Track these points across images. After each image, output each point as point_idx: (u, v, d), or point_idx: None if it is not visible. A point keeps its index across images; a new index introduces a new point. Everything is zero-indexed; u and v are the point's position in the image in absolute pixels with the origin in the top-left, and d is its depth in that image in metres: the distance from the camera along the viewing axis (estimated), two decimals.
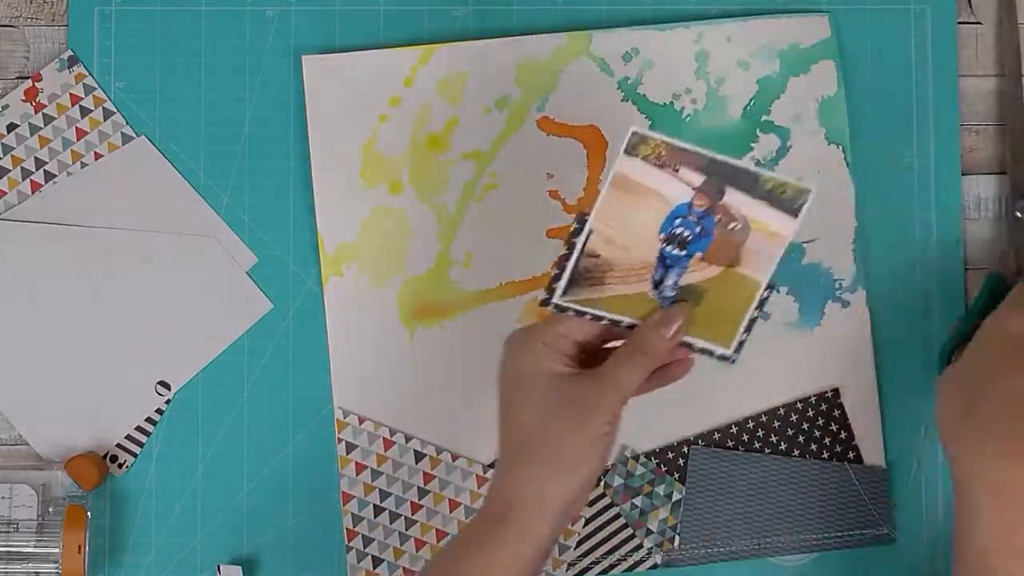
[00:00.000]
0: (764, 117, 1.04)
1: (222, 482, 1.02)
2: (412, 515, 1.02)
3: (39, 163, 1.02)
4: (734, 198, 0.84)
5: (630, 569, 1.03)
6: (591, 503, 1.02)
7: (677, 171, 0.84)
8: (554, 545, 0.87)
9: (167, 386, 1.02)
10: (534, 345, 0.87)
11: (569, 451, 0.85)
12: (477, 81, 1.03)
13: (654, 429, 1.03)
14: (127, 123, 1.03)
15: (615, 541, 1.03)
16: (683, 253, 0.86)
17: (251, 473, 1.02)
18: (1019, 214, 1.04)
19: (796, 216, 0.84)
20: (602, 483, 1.02)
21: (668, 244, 0.86)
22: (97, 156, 1.02)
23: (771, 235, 0.85)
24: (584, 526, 1.02)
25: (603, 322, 0.87)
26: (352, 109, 1.03)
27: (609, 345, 0.89)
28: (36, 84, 1.02)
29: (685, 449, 1.03)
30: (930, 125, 1.05)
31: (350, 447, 1.02)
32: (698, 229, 0.85)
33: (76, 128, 1.02)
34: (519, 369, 0.87)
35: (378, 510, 1.02)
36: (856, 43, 1.05)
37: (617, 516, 1.03)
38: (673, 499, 1.03)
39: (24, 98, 1.02)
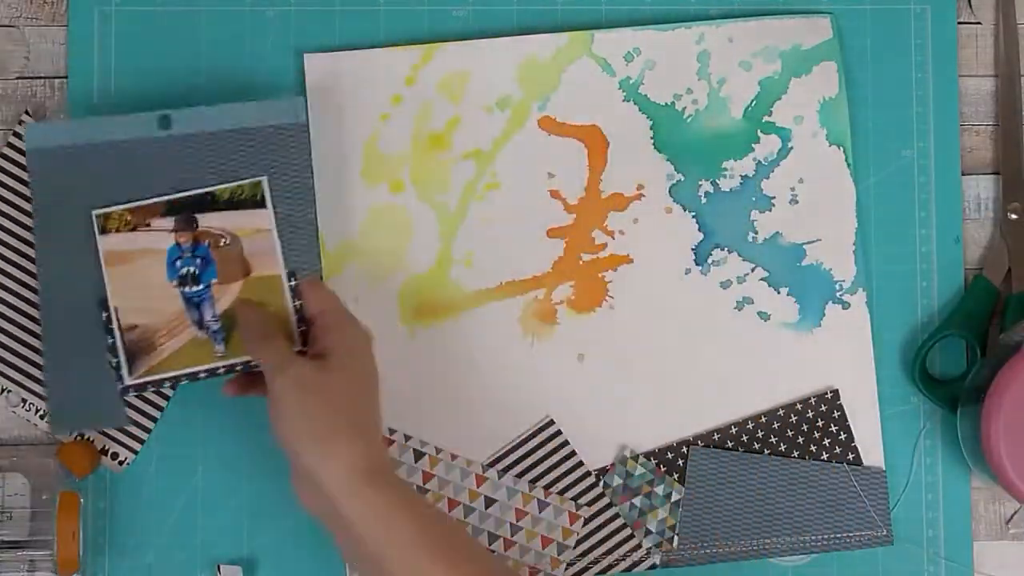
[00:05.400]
0: (765, 118, 1.04)
1: (222, 482, 1.02)
2: None
3: None
4: (208, 220, 0.95)
5: (629, 569, 1.03)
6: (590, 503, 1.02)
7: (149, 225, 0.95)
8: None
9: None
10: None
11: None
12: (478, 80, 1.03)
13: (654, 429, 1.03)
14: None
15: (614, 541, 1.03)
16: (201, 287, 0.95)
17: (251, 473, 1.02)
18: (1011, 215, 1.04)
19: (264, 206, 0.95)
20: (601, 483, 1.02)
21: (183, 286, 0.95)
22: None
23: (258, 232, 0.96)
24: (583, 526, 1.02)
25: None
26: (354, 107, 1.03)
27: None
28: None
29: (685, 449, 1.03)
30: (930, 125, 1.05)
31: None
32: (198, 261, 0.95)
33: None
34: None
35: None
36: (856, 43, 1.05)
37: (616, 516, 1.03)
38: (672, 499, 1.03)
39: None
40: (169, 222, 0.94)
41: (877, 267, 1.04)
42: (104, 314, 0.94)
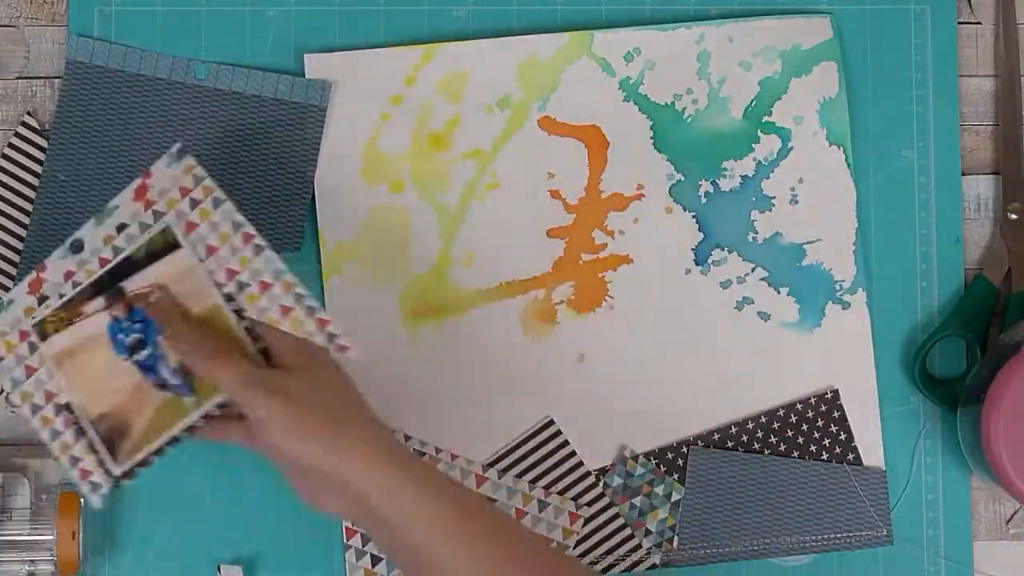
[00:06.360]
0: (765, 118, 1.04)
1: (222, 482, 1.02)
2: None
3: None
4: (134, 283, 0.93)
5: (629, 569, 1.02)
6: (590, 503, 1.02)
7: (82, 314, 0.93)
8: None
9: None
10: None
11: None
12: (479, 80, 1.03)
13: (654, 429, 1.03)
14: None
15: (614, 541, 1.03)
16: (150, 351, 0.92)
17: (251, 473, 1.02)
18: (1011, 215, 1.04)
19: (179, 246, 0.92)
20: (601, 483, 1.02)
21: (134, 354, 0.92)
22: (210, 249, 0.93)
23: (182, 273, 0.92)
24: (583, 526, 1.02)
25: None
26: (354, 107, 1.03)
27: None
28: (146, 181, 0.94)
29: (685, 449, 1.03)
30: (930, 125, 1.05)
31: None
32: (138, 325, 0.92)
33: (186, 222, 0.93)
34: None
35: None
36: (856, 43, 1.05)
37: (616, 516, 1.02)
38: (672, 499, 1.02)
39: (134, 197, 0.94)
40: (100, 302, 0.92)
41: (877, 267, 1.04)
42: (71, 415, 0.93)
